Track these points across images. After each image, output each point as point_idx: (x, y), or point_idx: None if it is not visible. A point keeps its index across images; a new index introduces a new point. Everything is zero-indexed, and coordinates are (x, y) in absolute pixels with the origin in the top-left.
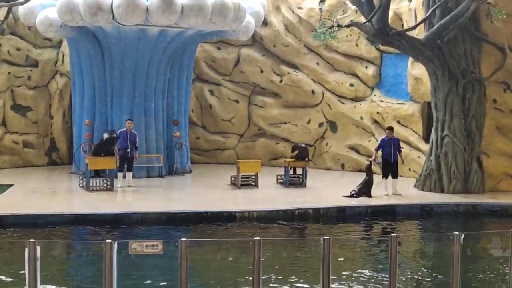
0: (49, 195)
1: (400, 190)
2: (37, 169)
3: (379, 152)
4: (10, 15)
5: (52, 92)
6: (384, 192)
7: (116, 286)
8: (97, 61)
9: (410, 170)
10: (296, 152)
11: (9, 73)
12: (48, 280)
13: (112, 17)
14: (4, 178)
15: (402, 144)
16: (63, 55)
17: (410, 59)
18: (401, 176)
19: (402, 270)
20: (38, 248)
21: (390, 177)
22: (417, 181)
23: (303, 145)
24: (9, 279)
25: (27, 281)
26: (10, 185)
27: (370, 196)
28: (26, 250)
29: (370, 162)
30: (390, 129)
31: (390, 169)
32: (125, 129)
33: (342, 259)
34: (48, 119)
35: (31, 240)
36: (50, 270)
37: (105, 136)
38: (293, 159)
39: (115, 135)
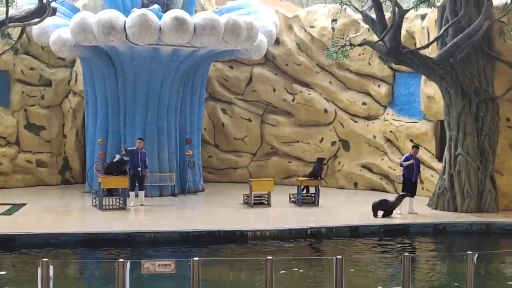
0: (62, 214)
1: (416, 209)
2: (50, 188)
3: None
4: (24, 34)
5: (65, 111)
6: (397, 211)
7: None
8: (110, 80)
9: (423, 189)
10: (314, 165)
11: (22, 92)
12: None
13: (125, 36)
14: (17, 197)
15: None
16: (76, 75)
17: (423, 77)
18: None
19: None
20: (51, 267)
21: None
22: (430, 200)
23: (323, 164)
24: None
25: None
26: (24, 204)
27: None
28: (39, 269)
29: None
30: (416, 147)
31: (410, 188)
32: (135, 147)
33: (355, 278)
34: (62, 138)
35: (44, 259)
36: None
37: (117, 157)
38: (305, 178)
39: (125, 158)
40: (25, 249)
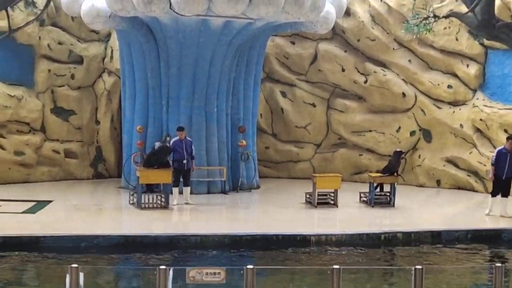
0: (95, 213)
1: (510, 212)
2: (81, 183)
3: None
4: (51, 3)
5: (98, 93)
6: (486, 212)
7: None
8: (151, 57)
9: None
10: (390, 159)
11: (49, 70)
12: None
13: (169, 6)
14: (42, 192)
15: None
16: (112, 51)
17: None
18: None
19: None
20: (81, 274)
21: (499, 196)
22: None
23: (400, 158)
24: None
25: None
26: (50, 201)
27: None
28: (68, 276)
29: None
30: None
31: (501, 186)
32: (178, 138)
33: None
34: (94, 125)
35: (74, 265)
36: None
37: (157, 145)
38: (379, 174)
39: (168, 144)
40: (51, 253)
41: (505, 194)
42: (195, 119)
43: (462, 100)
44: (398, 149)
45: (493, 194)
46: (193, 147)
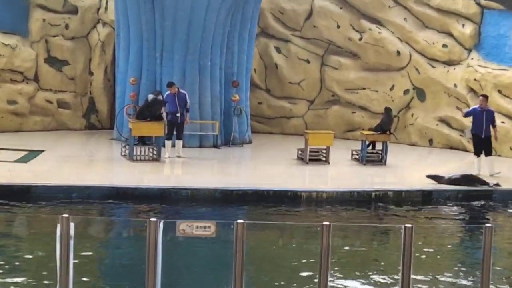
0: (86, 164)
1: (497, 169)
2: (73, 133)
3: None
4: None
5: (93, 44)
6: (475, 172)
7: (161, 271)
8: (146, 9)
9: (511, 149)
10: (382, 117)
11: (43, 20)
12: (82, 262)
13: None
14: (34, 142)
15: (503, 118)
16: (107, 1)
17: None
18: (499, 155)
19: (496, 264)
20: (72, 224)
21: (482, 156)
22: None
23: (391, 115)
24: (39, 259)
25: (58, 261)
26: (42, 151)
27: None
28: (58, 226)
29: None
30: (484, 97)
31: (482, 145)
32: (168, 93)
33: (426, 250)
34: (87, 76)
35: (64, 215)
36: (85, 250)
37: (150, 97)
38: (371, 132)
39: (159, 98)
40: (42, 202)
41: (488, 153)
42: (188, 73)
43: (456, 59)
44: (388, 106)
45: (477, 154)
46: (187, 100)
